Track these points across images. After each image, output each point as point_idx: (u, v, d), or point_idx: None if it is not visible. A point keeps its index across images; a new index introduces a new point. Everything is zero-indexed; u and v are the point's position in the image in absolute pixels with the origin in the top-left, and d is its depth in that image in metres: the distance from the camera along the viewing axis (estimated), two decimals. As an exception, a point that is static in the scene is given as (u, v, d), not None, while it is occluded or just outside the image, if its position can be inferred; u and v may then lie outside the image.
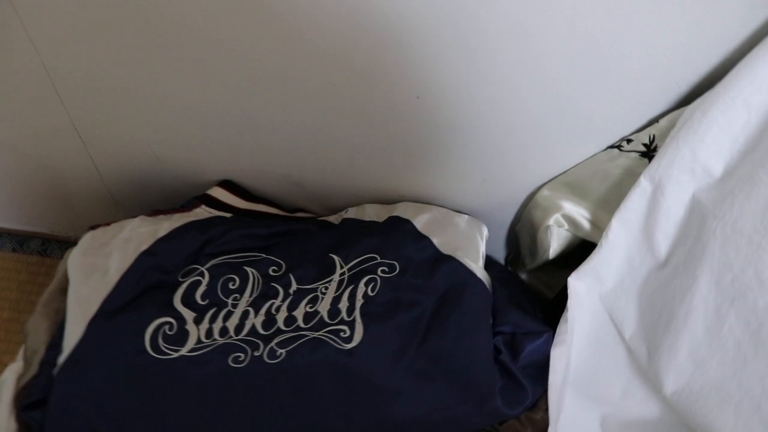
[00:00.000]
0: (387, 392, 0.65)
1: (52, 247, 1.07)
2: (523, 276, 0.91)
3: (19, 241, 1.07)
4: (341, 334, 0.67)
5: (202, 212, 0.79)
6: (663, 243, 0.66)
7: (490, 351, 0.68)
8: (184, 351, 0.66)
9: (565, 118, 0.68)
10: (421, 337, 0.68)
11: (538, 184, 0.79)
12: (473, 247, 0.75)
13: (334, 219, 0.82)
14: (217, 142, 0.79)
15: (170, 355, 0.66)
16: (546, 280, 0.90)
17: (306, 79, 0.67)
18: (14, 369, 0.74)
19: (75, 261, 0.72)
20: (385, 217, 0.79)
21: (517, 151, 0.73)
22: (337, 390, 0.65)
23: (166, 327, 0.68)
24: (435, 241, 0.75)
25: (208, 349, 0.66)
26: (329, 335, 0.67)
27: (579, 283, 0.72)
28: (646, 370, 0.66)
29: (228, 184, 0.83)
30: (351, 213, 0.82)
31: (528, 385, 0.68)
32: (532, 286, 0.91)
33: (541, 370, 0.70)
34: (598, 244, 0.70)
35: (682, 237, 0.64)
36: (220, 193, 0.82)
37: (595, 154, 0.75)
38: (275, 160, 0.79)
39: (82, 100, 0.74)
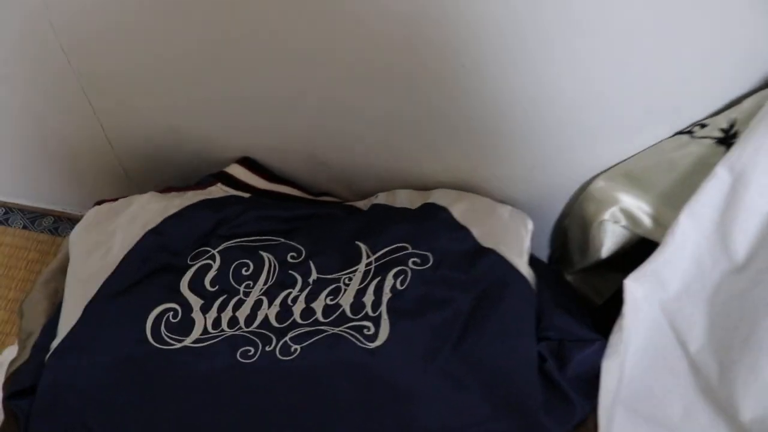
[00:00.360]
0: (413, 399, 0.57)
1: (63, 225, 1.02)
2: (569, 278, 0.82)
3: (31, 218, 1.02)
4: (365, 331, 0.60)
5: (218, 191, 0.72)
6: (742, 244, 0.57)
7: (533, 359, 0.59)
8: (188, 341, 0.59)
9: (631, 95, 0.60)
10: (456, 339, 0.60)
11: (594, 173, 0.70)
12: (517, 242, 0.67)
13: (362, 205, 0.75)
14: (238, 115, 0.72)
15: (173, 345, 0.59)
16: (595, 283, 0.81)
17: (336, 47, 0.59)
18: (10, 352, 0.68)
19: (77, 237, 0.66)
20: (419, 204, 0.71)
21: (574, 133, 0.64)
22: (357, 394, 0.57)
23: (170, 314, 0.61)
24: (474, 232, 0.66)
25: (215, 340, 0.59)
26: (351, 332, 0.60)
27: (637, 287, 0.63)
28: (716, 390, 0.57)
29: (248, 162, 0.76)
30: (381, 198, 0.74)
31: (576, 399, 0.59)
32: (579, 289, 0.82)
33: (590, 383, 0.61)
34: (661, 243, 0.61)
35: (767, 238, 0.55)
36: (238, 171, 0.75)
37: (660, 141, 0.66)
38: (300, 136, 0.72)
39: (93, 63, 0.68)
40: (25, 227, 1.01)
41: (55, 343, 0.60)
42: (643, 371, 0.63)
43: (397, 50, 0.58)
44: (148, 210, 0.67)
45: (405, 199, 0.73)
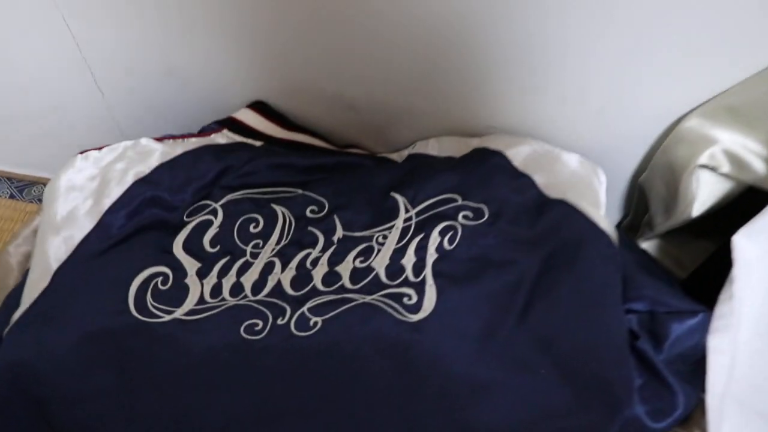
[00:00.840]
0: (468, 386, 0.44)
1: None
2: (644, 247, 0.68)
3: (19, 187, 0.91)
4: (404, 300, 0.47)
5: (223, 138, 0.60)
6: None
7: (623, 334, 0.46)
8: (179, 313, 0.47)
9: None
10: (520, 310, 0.47)
11: (682, 111, 0.56)
12: (590, 192, 0.53)
13: (396, 156, 0.62)
14: (249, 47, 0.59)
15: (160, 317, 0.47)
16: (676, 253, 0.67)
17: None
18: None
19: (52, 190, 0.54)
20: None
21: (652, 61, 0.51)
22: (394, 379, 0.44)
23: (159, 279, 0.49)
24: (537, 180, 0.54)
25: (213, 311, 0.47)
26: (387, 300, 0.47)
27: (750, 246, 0.49)
28: None
29: (260, 107, 0.63)
30: (419, 148, 0.61)
31: (678, 386, 0.46)
32: (655, 261, 0.68)
33: (694, 366, 0.47)
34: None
35: None
36: (248, 117, 0.62)
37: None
38: (323, 73, 0.59)
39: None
40: (12, 196, 0.90)
41: (16, 315, 0.48)
42: (759, 352, 0.49)
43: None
44: (139, 157, 0.55)
45: (449, 147, 0.60)
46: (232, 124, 0.61)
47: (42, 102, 0.73)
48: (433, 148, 0.60)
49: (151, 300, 0.48)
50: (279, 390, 0.44)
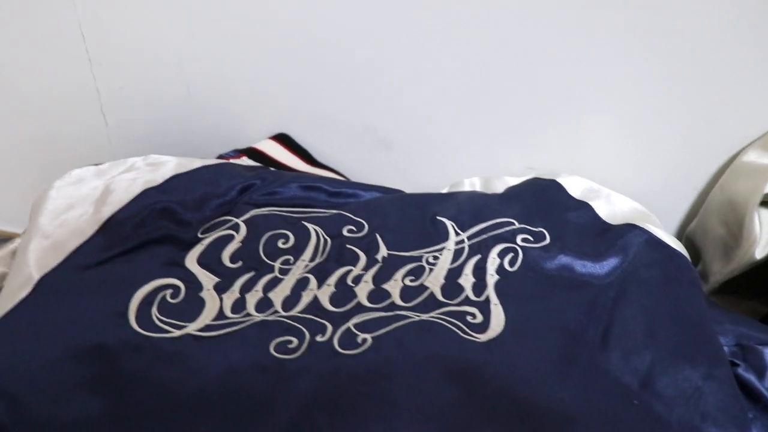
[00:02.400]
0: (554, 414, 0.35)
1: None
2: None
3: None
4: (468, 318, 0.39)
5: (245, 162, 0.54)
6: None
7: (727, 365, 0.39)
8: (192, 328, 0.38)
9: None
10: (601, 335, 0.40)
11: (735, 148, 0.54)
12: (654, 223, 0.49)
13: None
14: (275, 66, 0.55)
15: (168, 332, 0.38)
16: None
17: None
18: None
19: (43, 199, 0.46)
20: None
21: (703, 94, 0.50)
22: (466, 405, 0.35)
23: (168, 292, 0.40)
24: (597, 208, 0.49)
25: (236, 327, 0.38)
26: (449, 318, 0.39)
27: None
28: None
29: (284, 139, 0.58)
30: (454, 188, 0.56)
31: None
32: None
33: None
34: None
35: None
36: (271, 148, 0.57)
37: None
38: (356, 102, 0.56)
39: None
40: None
41: (-20, 329, 0.38)
42: None
43: None
44: (151, 168, 0.48)
45: (488, 186, 0.55)
46: (253, 153, 0.55)
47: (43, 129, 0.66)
48: (472, 186, 0.55)
49: (156, 313, 0.39)
50: (320, 420, 0.34)
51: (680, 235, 0.61)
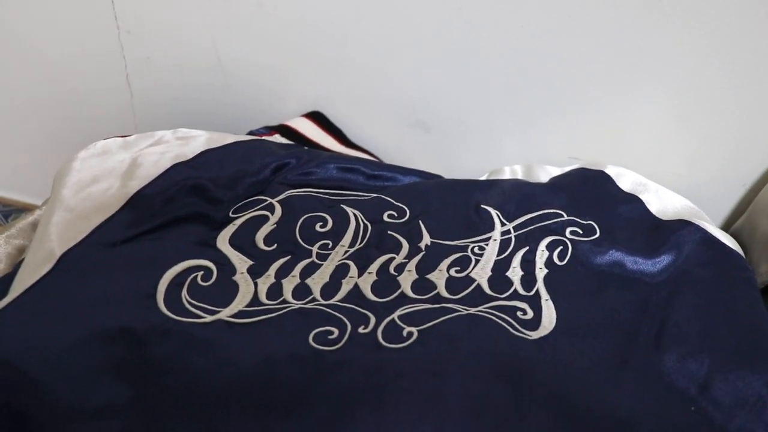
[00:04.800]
0: (610, 419, 0.33)
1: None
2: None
3: (4, 213, 0.78)
4: (518, 314, 0.37)
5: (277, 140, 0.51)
6: None
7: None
8: (225, 314, 0.35)
9: None
10: (655, 335, 0.37)
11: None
12: (706, 220, 0.46)
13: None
14: (311, 40, 0.52)
15: (200, 317, 0.35)
16: None
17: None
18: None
19: (66, 170, 0.43)
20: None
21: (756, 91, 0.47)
22: (518, 407, 0.32)
23: (200, 274, 0.38)
24: (648, 203, 0.46)
25: (271, 315, 0.36)
26: (498, 313, 0.37)
27: None
28: None
29: (318, 117, 0.55)
30: (495, 176, 0.53)
31: None
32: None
33: None
34: None
35: None
36: (304, 126, 0.54)
37: None
38: (394, 80, 0.53)
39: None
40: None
41: (0, 305, 0.35)
42: None
43: None
44: (180, 142, 0.46)
45: (530, 175, 0.52)
46: (285, 130, 0.53)
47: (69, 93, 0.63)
48: (513, 174, 0.53)
49: (187, 296, 0.36)
50: (362, 417, 0.31)
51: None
